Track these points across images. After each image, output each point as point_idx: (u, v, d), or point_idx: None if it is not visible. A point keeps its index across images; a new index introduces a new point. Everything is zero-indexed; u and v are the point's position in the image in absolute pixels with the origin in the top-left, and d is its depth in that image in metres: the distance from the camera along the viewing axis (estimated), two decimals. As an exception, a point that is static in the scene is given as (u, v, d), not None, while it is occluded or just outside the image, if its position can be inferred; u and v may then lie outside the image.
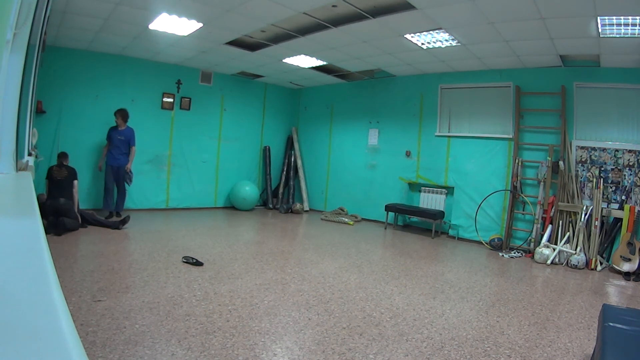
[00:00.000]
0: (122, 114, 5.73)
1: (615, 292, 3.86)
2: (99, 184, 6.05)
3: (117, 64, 6.17)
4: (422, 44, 4.90)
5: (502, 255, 5.06)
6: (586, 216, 4.75)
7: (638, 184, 4.65)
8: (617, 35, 3.85)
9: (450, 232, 6.18)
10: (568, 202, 4.99)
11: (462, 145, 6.12)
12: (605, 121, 4.90)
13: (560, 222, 4.99)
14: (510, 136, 5.59)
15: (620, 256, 4.38)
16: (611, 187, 4.82)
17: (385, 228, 6.50)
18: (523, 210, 5.49)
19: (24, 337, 0.36)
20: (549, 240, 4.97)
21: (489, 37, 4.39)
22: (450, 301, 3.18)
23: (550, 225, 5.05)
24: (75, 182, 4.91)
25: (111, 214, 5.69)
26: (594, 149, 4.94)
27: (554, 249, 4.75)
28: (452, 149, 6.23)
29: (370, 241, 5.50)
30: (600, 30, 3.80)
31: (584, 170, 5.01)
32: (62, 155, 5.08)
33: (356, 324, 2.57)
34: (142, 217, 5.86)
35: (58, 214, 4.45)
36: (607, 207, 4.78)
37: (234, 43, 5.41)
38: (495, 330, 2.63)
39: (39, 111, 5.34)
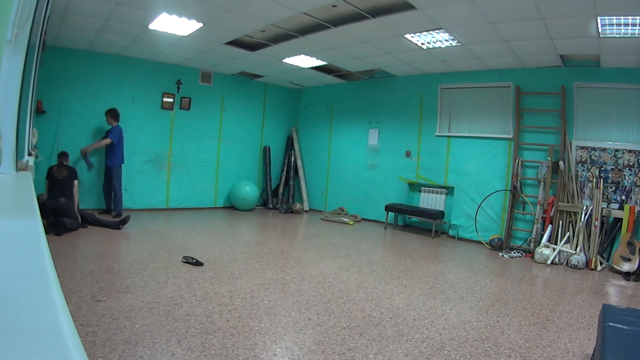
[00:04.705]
0: (109, 113, 5.78)
1: (615, 292, 3.86)
2: (98, 184, 6.06)
3: (117, 64, 6.17)
4: (422, 44, 4.89)
5: (502, 255, 5.06)
6: (586, 216, 4.75)
7: (638, 184, 4.65)
8: (617, 35, 3.85)
9: (450, 232, 6.18)
10: (568, 202, 4.99)
11: (462, 145, 6.12)
12: (605, 121, 4.90)
13: (560, 222, 4.99)
14: (510, 136, 5.59)
15: (620, 256, 4.38)
16: (611, 187, 4.82)
17: (385, 228, 6.50)
18: (523, 210, 5.49)
19: (24, 337, 0.36)
20: (549, 240, 4.97)
21: (489, 37, 4.39)
22: (450, 301, 3.18)
23: (550, 225, 5.05)
24: (76, 182, 4.91)
25: (116, 214, 5.72)
26: (594, 149, 4.94)
27: (554, 249, 4.75)
28: (452, 149, 6.23)
29: (370, 241, 5.50)
30: (600, 30, 3.80)
31: (584, 170, 5.01)
32: (63, 155, 5.08)
33: (356, 324, 2.57)
34: (142, 217, 5.86)
35: (58, 214, 4.44)
36: (607, 207, 4.78)
37: (234, 43, 5.41)
38: (495, 330, 2.63)
39: (39, 111, 5.34)
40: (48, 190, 4.72)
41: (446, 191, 6.27)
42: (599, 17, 3.52)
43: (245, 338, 2.25)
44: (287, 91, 8.60)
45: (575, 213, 4.91)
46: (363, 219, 7.24)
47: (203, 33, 4.95)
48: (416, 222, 6.68)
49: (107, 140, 5.68)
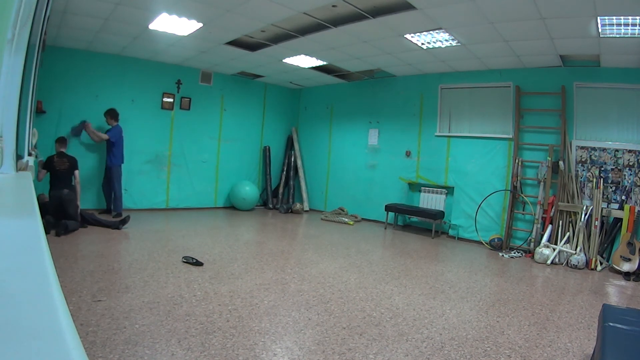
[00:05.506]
0: (108, 113, 5.79)
1: (615, 292, 3.86)
2: (98, 183, 6.06)
3: (117, 64, 6.17)
4: (422, 44, 4.89)
5: (502, 255, 5.06)
6: (586, 216, 4.75)
7: (638, 184, 4.65)
8: (617, 35, 3.85)
9: (450, 232, 6.18)
10: (568, 202, 4.99)
11: (462, 145, 6.12)
12: (605, 121, 4.90)
13: (560, 222, 4.99)
14: (510, 136, 5.59)
15: (620, 256, 4.38)
16: (611, 187, 4.82)
17: (385, 228, 6.50)
18: (523, 210, 5.49)
19: (24, 337, 0.36)
20: (549, 240, 4.97)
21: (489, 37, 4.39)
22: (450, 301, 3.18)
23: (550, 225, 5.05)
24: (77, 172, 4.91)
25: (116, 214, 5.72)
26: (594, 149, 4.94)
27: (554, 249, 4.75)
28: (452, 149, 6.23)
29: (370, 241, 5.50)
30: (600, 30, 3.80)
31: (584, 170, 5.01)
32: (61, 140, 5.02)
33: (356, 324, 2.57)
34: (142, 217, 5.86)
35: (61, 206, 4.45)
36: (607, 207, 4.78)
37: (234, 43, 5.41)
38: (495, 330, 2.63)
39: (39, 111, 5.33)
40: (49, 180, 4.73)
41: (446, 191, 6.27)
42: (599, 17, 3.52)
43: (245, 338, 2.25)
44: (287, 91, 8.60)
45: (575, 213, 4.90)
46: (363, 219, 7.24)
47: (203, 33, 4.95)
48: (416, 222, 6.67)
49: (105, 136, 5.67)
